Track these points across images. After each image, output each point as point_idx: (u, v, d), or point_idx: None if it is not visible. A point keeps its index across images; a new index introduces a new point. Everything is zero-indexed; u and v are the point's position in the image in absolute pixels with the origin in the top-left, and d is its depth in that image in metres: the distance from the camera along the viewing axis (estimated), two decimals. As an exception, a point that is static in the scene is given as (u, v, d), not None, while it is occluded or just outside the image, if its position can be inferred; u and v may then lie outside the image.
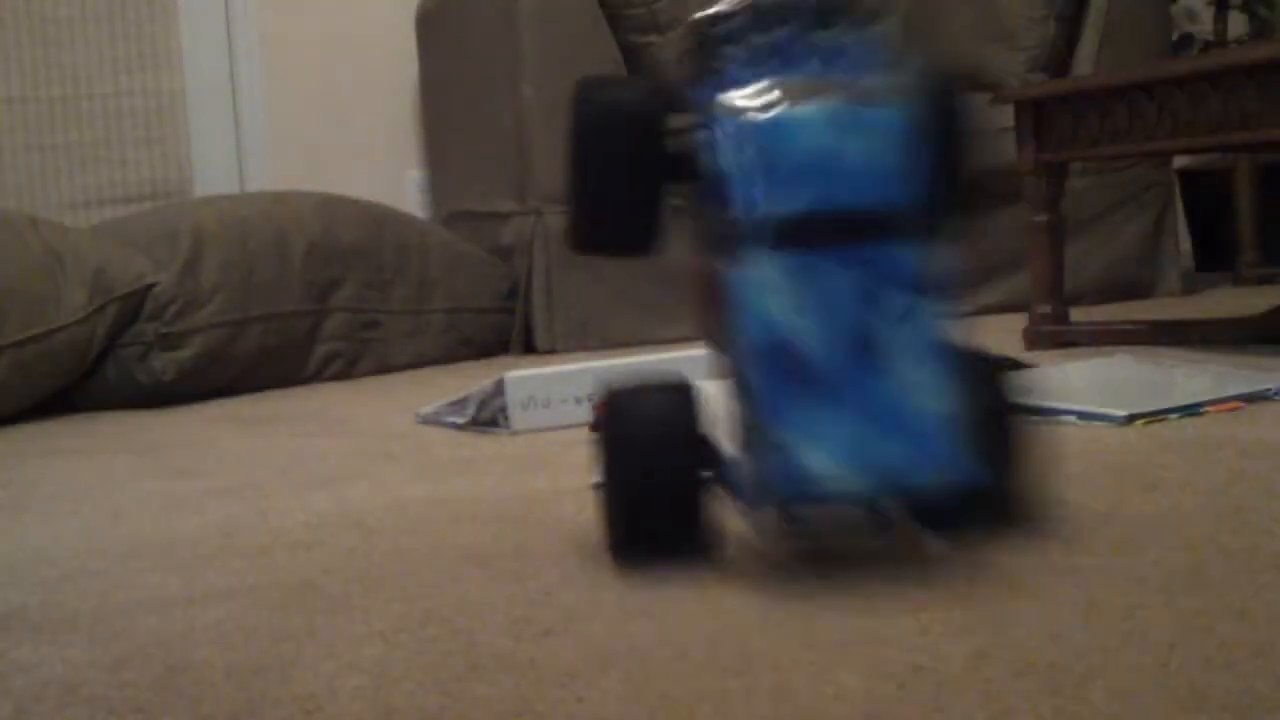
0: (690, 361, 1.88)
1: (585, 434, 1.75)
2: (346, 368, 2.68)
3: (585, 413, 1.81)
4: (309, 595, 1.05)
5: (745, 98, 1.01)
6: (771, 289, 0.99)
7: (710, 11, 1.04)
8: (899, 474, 0.97)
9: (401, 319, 2.77)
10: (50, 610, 1.06)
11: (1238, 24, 3.98)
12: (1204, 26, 4.03)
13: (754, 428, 0.99)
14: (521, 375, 1.82)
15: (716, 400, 1.06)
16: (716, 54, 1.05)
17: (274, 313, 2.55)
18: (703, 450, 1.05)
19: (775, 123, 1.00)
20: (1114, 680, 0.76)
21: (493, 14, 3.00)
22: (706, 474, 1.05)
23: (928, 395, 0.97)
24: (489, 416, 1.86)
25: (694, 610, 0.94)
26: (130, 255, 2.46)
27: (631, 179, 1.07)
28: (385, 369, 2.73)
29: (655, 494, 1.05)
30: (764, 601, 0.95)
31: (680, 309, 2.96)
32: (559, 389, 1.82)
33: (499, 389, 1.83)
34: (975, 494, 0.99)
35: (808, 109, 1.00)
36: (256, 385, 2.55)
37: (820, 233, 0.99)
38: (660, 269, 2.95)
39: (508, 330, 2.95)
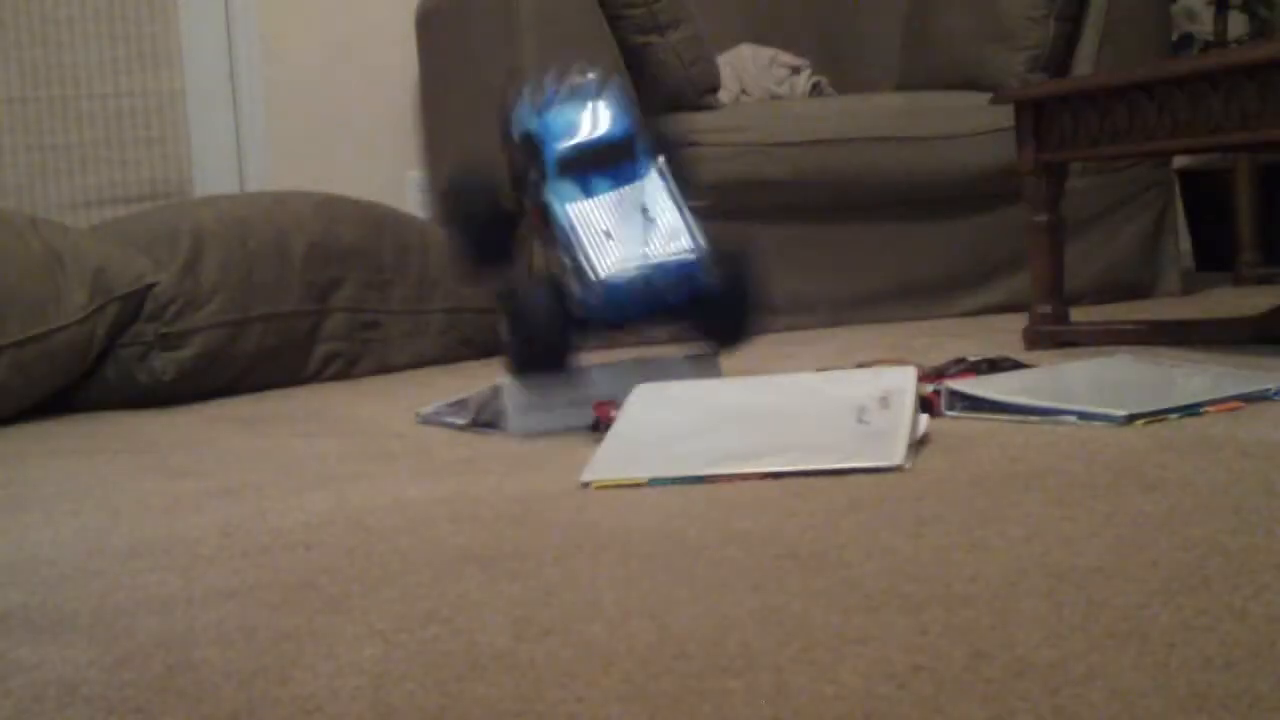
0: (690, 362, 1.88)
1: (581, 436, 1.75)
2: (346, 368, 2.68)
3: (586, 415, 1.80)
4: (309, 595, 1.05)
5: (544, 112, 1.83)
6: (569, 194, 1.78)
7: (519, 82, 1.89)
8: (666, 286, 1.76)
9: (401, 319, 2.77)
10: (50, 610, 1.06)
11: (1238, 24, 3.98)
12: (1204, 26, 4.03)
13: (582, 275, 1.74)
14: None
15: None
16: (525, 95, 1.86)
17: (274, 313, 2.55)
18: (566, 307, 1.76)
19: (557, 117, 1.82)
20: (1114, 680, 0.76)
21: (493, 14, 3.00)
22: (570, 320, 1.76)
23: (679, 235, 1.78)
24: (488, 419, 1.86)
25: (694, 610, 0.94)
26: (130, 255, 2.46)
27: (489, 217, 1.90)
28: (385, 369, 2.73)
29: (542, 335, 1.77)
30: (764, 600, 0.95)
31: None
32: (558, 391, 1.82)
33: (497, 394, 1.83)
34: (714, 299, 1.80)
35: (570, 107, 1.82)
36: (256, 385, 2.55)
37: (585, 160, 1.79)
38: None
39: (508, 330, 2.95)
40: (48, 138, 3.50)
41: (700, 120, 2.98)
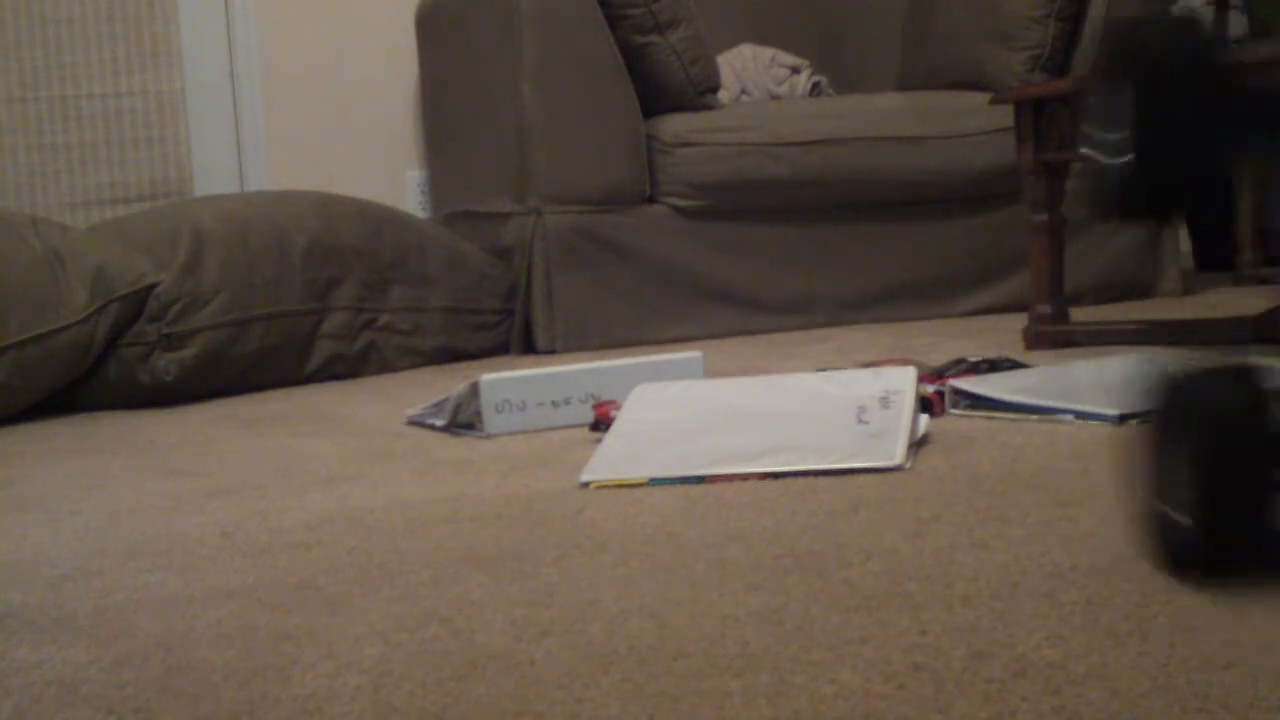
0: (688, 362, 1.88)
1: (581, 436, 1.75)
2: (347, 367, 2.68)
3: (561, 416, 1.80)
4: (309, 595, 1.05)
5: None
6: None
7: None
8: None
9: (401, 318, 2.77)
10: (50, 610, 1.06)
11: (1238, 24, 3.98)
12: (1204, 26, 4.03)
13: None
14: (496, 378, 1.81)
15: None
16: None
17: (275, 312, 2.55)
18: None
19: None
20: (1114, 680, 0.76)
21: (493, 14, 3.00)
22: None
23: None
24: (466, 419, 1.85)
25: (694, 610, 0.94)
26: (131, 255, 2.46)
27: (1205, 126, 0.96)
28: (385, 368, 2.73)
29: (1234, 509, 0.91)
30: (764, 600, 0.95)
31: (680, 310, 2.96)
32: (534, 392, 1.81)
33: (474, 391, 1.82)
34: None
35: None
36: (257, 385, 2.55)
37: None
38: (659, 271, 2.95)
39: (507, 330, 2.95)
40: (48, 138, 3.50)
41: (700, 120, 2.98)
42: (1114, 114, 0.99)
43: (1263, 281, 3.51)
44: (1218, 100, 0.94)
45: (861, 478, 1.36)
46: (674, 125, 2.96)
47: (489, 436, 1.79)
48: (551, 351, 2.88)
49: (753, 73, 3.52)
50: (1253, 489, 0.91)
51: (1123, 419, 1.57)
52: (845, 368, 1.96)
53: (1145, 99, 0.96)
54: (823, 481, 1.35)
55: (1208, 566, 0.93)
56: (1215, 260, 3.82)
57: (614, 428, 1.58)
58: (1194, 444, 0.93)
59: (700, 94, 3.03)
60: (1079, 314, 2.54)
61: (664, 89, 2.99)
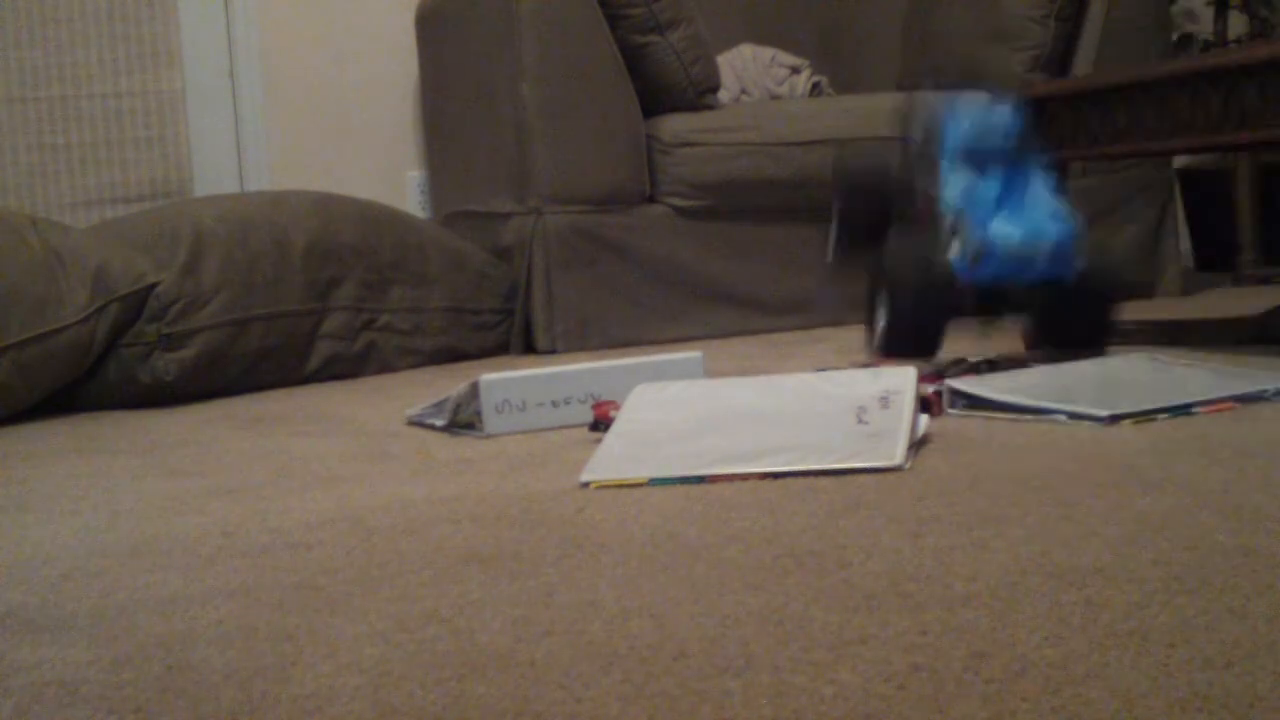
0: (688, 362, 1.88)
1: (581, 436, 1.75)
2: (347, 367, 2.68)
3: (561, 416, 1.80)
4: (309, 595, 1.05)
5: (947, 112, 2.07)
6: (964, 177, 2.01)
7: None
8: (1040, 254, 1.95)
9: (401, 318, 2.77)
10: (50, 610, 1.06)
11: (1238, 24, 3.98)
12: (1204, 26, 4.03)
13: (965, 237, 1.96)
14: (496, 378, 1.81)
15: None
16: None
17: (275, 312, 2.55)
18: (939, 282, 1.99)
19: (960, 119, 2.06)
20: (1114, 680, 0.76)
21: (492, 14, 3.00)
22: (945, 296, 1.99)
23: (1048, 222, 1.98)
24: (467, 419, 1.84)
25: (694, 610, 0.94)
26: (131, 255, 2.46)
27: (875, 209, 2.15)
28: (385, 368, 2.73)
29: (928, 318, 2.00)
30: (764, 600, 0.95)
31: (680, 310, 2.96)
32: (534, 392, 1.81)
33: (474, 391, 1.82)
34: (1077, 289, 2.01)
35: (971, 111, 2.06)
36: (257, 385, 2.55)
37: (981, 162, 2.02)
38: (659, 271, 2.95)
39: (507, 330, 2.95)
40: (48, 138, 3.50)
41: (700, 120, 2.98)
42: (835, 205, 2.14)
43: (1263, 281, 3.51)
44: (879, 194, 2.14)
45: (861, 478, 1.36)
46: (674, 125, 2.96)
47: (489, 436, 1.79)
48: (551, 351, 2.88)
49: (753, 73, 3.52)
50: (933, 317, 1.99)
51: (1113, 419, 1.57)
52: (845, 368, 1.96)
53: (843, 196, 2.16)
54: (823, 481, 1.35)
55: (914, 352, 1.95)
56: (1215, 260, 3.82)
57: (614, 428, 1.58)
58: (903, 292, 2.01)
59: (700, 94, 3.03)
60: (1079, 314, 2.54)
61: (664, 89, 3.00)
